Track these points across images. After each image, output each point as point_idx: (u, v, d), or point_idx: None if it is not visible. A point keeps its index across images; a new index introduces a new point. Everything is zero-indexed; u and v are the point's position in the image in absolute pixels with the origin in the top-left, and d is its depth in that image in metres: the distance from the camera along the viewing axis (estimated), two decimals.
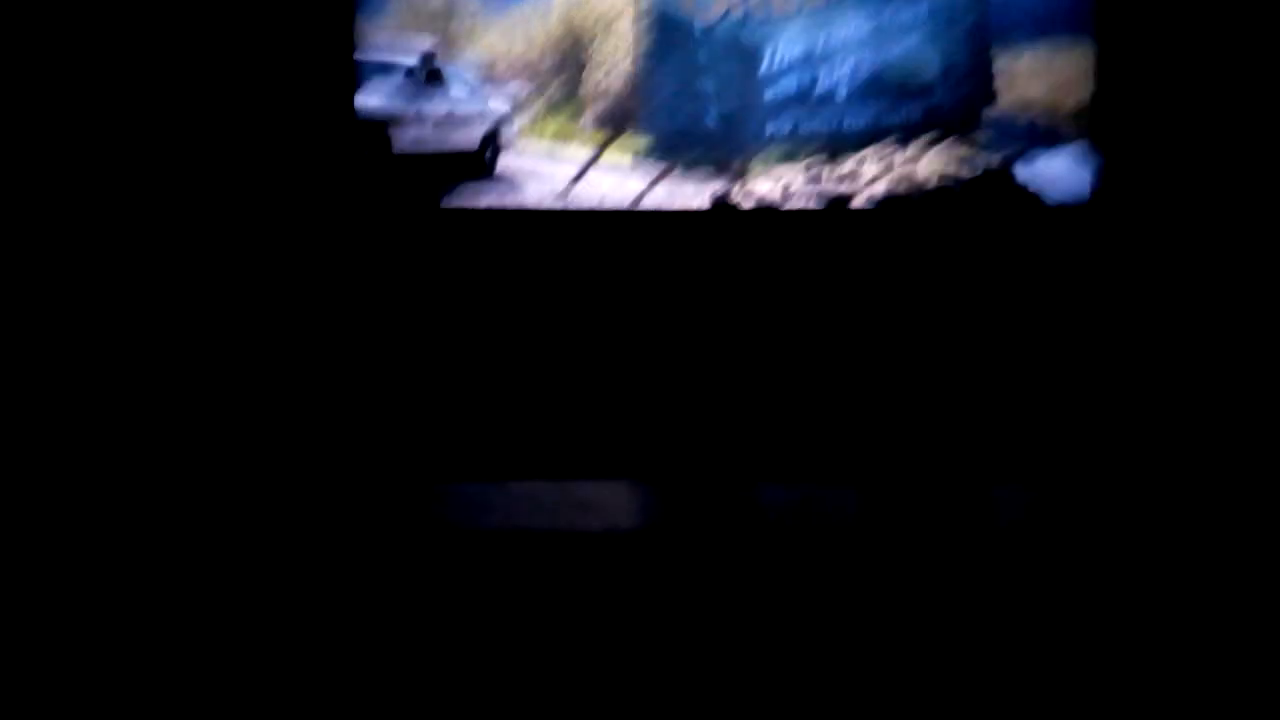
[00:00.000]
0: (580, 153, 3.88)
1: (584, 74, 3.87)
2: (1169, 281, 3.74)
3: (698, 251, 3.85)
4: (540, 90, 3.88)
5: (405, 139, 3.88)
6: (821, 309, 3.83)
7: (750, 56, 3.86)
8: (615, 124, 3.87)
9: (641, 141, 3.87)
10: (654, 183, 3.87)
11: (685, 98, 3.86)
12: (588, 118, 3.88)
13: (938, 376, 3.79)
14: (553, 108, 3.89)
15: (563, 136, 3.89)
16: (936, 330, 3.81)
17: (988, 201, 3.84)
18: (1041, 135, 3.82)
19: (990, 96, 3.85)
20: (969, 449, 3.69)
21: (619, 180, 3.88)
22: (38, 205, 3.67)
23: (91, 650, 2.48)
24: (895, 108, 3.87)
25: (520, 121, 3.90)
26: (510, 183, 3.90)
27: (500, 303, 3.82)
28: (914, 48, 3.85)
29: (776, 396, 3.78)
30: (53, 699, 2.33)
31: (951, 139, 3.85)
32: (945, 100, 3.87)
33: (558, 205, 3.87)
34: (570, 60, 3.86)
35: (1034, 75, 3.82)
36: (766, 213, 3.85)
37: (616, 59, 3.85)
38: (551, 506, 3.28)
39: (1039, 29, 3.80)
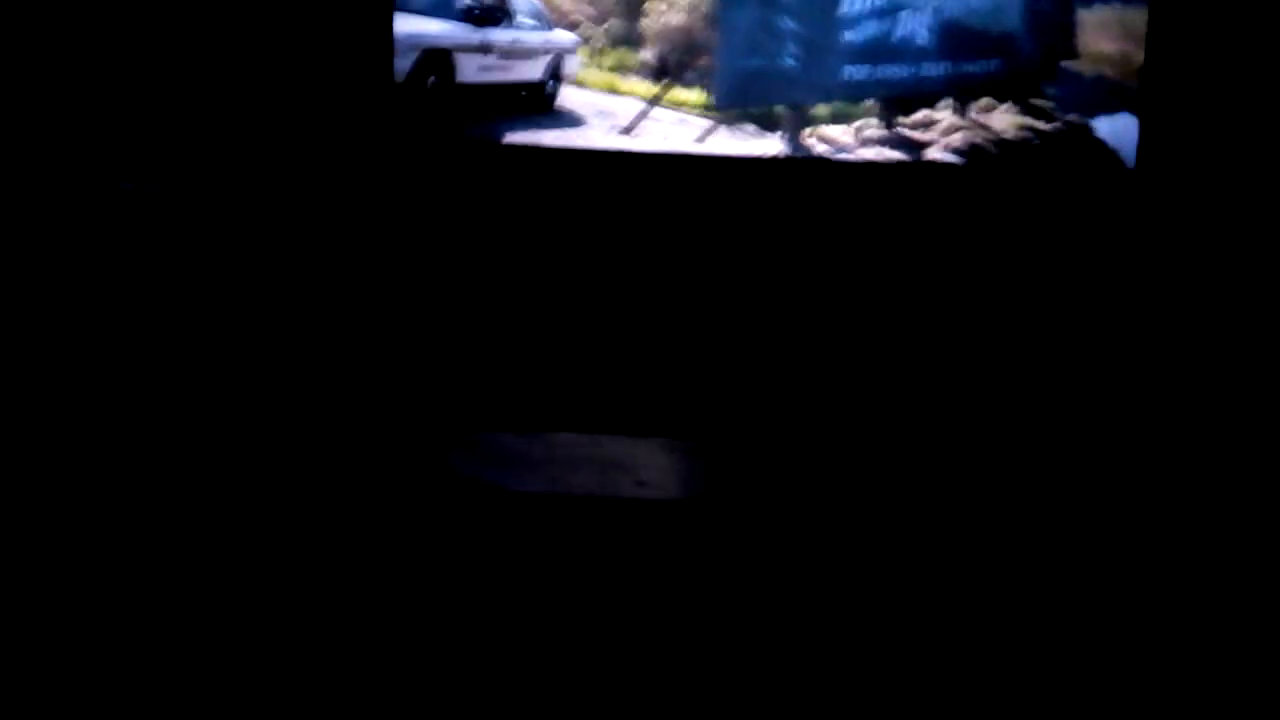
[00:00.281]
0: (641, 89, 3.77)
1: (645, 8, 3.76)
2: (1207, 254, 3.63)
3: (762, 200, 3.74)
4: (600, 22, 3.77)
5: (470, 69, 3.79)
6: (889, 265, 3.70)
7: None
8: (679, 61, 3.76)
9: (711, 80, 3.76)
10: (719, 124, 3.76)
11: (763, 37, 3.73)
12: (649, 53, 3.77)
13: (1007, 339, 3.70)
14: (614, 41, 3.78)
15: (623, 71, 3.79)
16: (1013, 291, 3.70)
17: (1065, 158, 3.72)
18: (1118, 93, 3.69)
19: (1071, 50, 3.73)
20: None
21: (683, 120, 3.78)
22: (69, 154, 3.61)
23: (113, 605, 2.46)
24: (974, 57, 3.76)
25: (583, 54, 3.80)
26: (570, 119, 3.81)
27: (547, 243, 3.72)
28: None
29: (835, 358, 3.68)
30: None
31: (1029, 91, 3.74)
32: (1025, 51, 3.75)
33: (616, 147, 3.77)
34: None
35: (1111, 31, 3.68)
36: (836, 163, 3.74)
37: None
38: (584, 462, 3.21)
39: None
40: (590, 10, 3.77)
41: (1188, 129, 3.61)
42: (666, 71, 3.77)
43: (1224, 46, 3.56)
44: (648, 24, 3.76)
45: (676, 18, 3.76)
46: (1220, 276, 3.59)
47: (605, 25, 3.78)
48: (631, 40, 3.78)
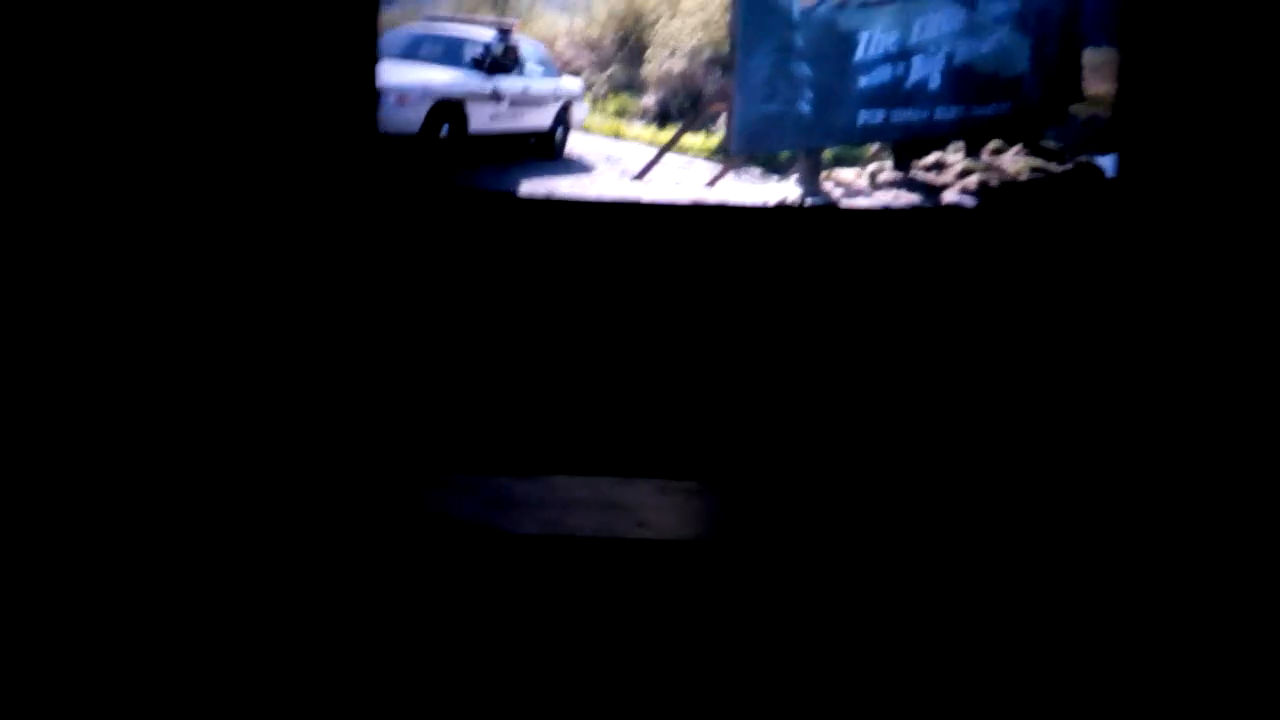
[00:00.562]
0: (646, 134, 3.80)
1: (647, 54, 3.78)
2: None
3: (771, 247, 3.71)
4: (603, 69, 3.81)
5: (482, 117, 3.84)
6: (904, 309, 3.66)
7: (846, 43, 3.73)
8: (681, 107, 3.78)
9: (728, 126, 3.76)
10: (727, 169, 3.77)
11: (780, 83, 3.74)
12: (652, 99, 3.80)
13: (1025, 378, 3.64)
14: (616, 88, 3.82)
15: (627, 117, 3.82)
16: (1026, 332, 3.65)
17: (1076, 195, 3.69)
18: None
19: (1078, 91, 3.72)
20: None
21: (690, 165, 3.80)
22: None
23: (90, 650, 2.44)
24: (985, 100, 3.76)
25: (588, 101, 3.84)
26: (578, 165, 3.84)
27: (554, 292, 3.70)
28: (1006, 40, 3.73)
29: (850, 399, 3.65)
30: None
31: (1037, 133, 3.74)
32: (1034, 94, 3.76)
33: (627, 192, 3.77)
34: (633, 40, 3.78)
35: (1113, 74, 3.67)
36: (845, 210, 3.74)
37: (682, 39, 3.77)
38: (583, 504, 3.19)
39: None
40: (593, 57, 3.80)
41: (1163, 154, 3.59)
42: (669, 117, 3.79)
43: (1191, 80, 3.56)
44: (649, 70, 3.79)
45: (678, 64, 3.78)
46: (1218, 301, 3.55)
47: (608, 72, 3.81)
48: (634, 87, 3.81)
